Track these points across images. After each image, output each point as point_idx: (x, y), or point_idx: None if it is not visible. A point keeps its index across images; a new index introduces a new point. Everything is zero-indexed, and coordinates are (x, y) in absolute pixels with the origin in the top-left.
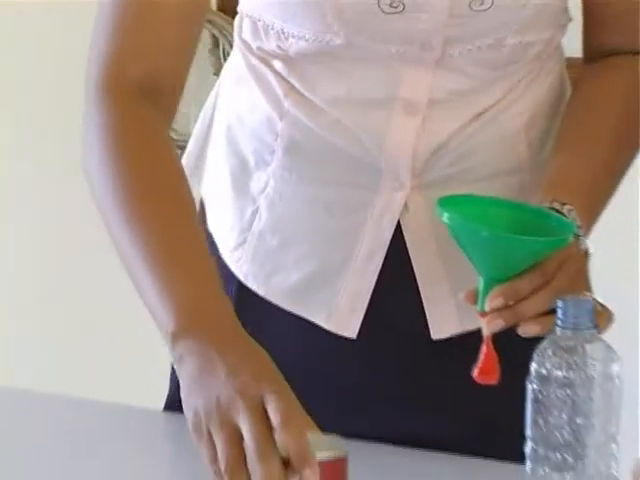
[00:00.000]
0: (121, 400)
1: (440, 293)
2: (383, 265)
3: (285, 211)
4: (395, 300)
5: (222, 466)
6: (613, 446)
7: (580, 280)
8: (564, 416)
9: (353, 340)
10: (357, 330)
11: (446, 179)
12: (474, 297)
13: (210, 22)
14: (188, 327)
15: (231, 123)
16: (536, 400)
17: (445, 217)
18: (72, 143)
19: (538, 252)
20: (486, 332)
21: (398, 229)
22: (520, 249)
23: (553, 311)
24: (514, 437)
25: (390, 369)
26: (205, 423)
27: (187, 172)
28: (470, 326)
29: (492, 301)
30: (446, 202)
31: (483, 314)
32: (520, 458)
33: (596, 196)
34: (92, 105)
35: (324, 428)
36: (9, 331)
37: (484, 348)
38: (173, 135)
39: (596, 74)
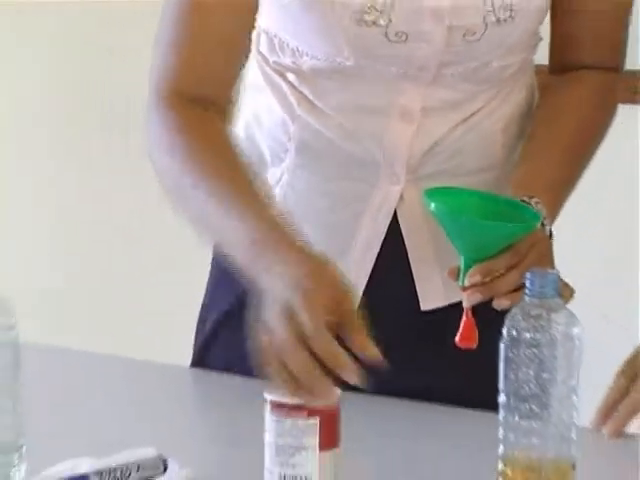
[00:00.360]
0: (152, 358)
1: (430, 272)
2: (380, 249)
3: (295, 202)
4: (390, 279)
5: (275, 349)
6: (574, 398)
7: (546, 260)
8: (531, 372)
9: None
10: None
11: (437, 174)
12: (456, 274)
13: None
14: (263, 247)
15: (249, 121)
16: (507, 358)
17: (431, 207)
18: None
19: (510, 236)
20: (466, 304)
21: (394, 218)
22: (494, 233)
23: (522, 287)
24: (491, 390)
25: (386, 338)
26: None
27: None
28: (453, 299)
29: (471, 278)
30: (432, 193)
31: (464, 289)
32: (496, 408)
33: (557, 192)
34: (154, 110)
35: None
36: (49, 286)
37: (464, 318)
38: None
39: (559, 88)
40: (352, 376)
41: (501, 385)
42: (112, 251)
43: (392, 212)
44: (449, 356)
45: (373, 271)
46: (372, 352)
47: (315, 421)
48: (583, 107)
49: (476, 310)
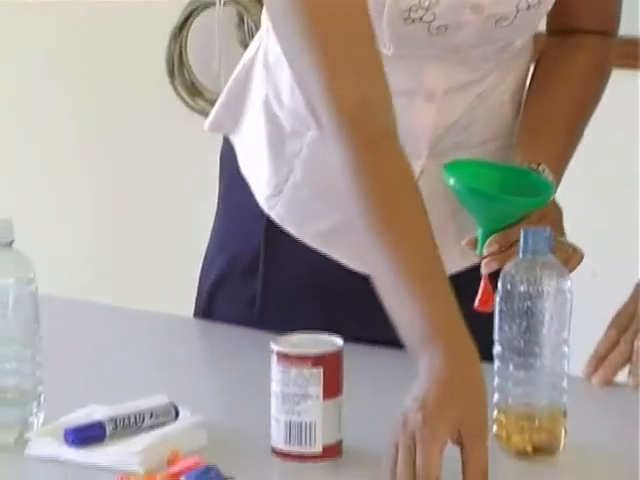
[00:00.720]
0: (156, 308)
1: (447, 241)
2: None
3: (317, 172)
4: None
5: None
6: (565, 348)
7: (556, 228)
8: (525, 324)
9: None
10: None
11: (453, 147)
12: (474, 244)
13: (235, 1)
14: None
15: (269, 96)
16: (502, 311)
17: (451, 181)
18: None
19: (526, 208)
20: (484, 271)
21: None
22: (510, 206)
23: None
24: (488, 342)
25: None
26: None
27: (222, 111)
28: (468, 264)
29: (489, 247)
30: (450, 167)
31: (482, 257)
32: (491, 358)
33: (561, 159)
34: (338, 138)
35: (333, 331)
36: (56, 242)
37: (482, 284)
38: (206, 94)
39: (557, 54)
40: None
41: (496, 337)
42: (122, 204)
43: None
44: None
45: None
46: None
47: (319, 370)
48: (581, 74)
49: (492, 277)
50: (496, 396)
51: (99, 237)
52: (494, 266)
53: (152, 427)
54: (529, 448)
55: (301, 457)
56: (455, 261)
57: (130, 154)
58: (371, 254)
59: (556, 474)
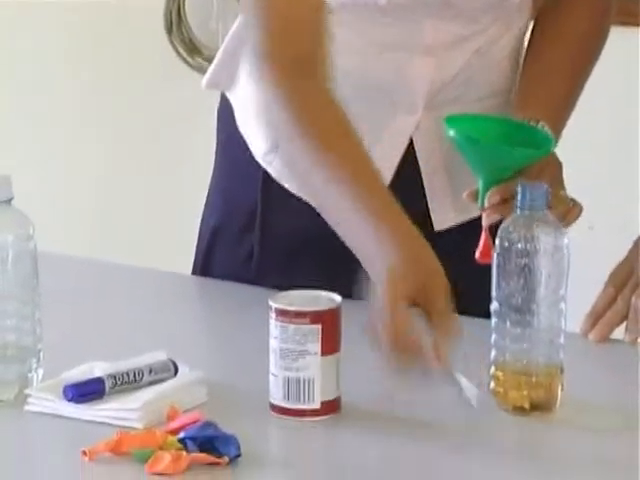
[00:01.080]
0: (155, 265)
1: (442, 195)
2: (396, 175)
3: None
4: (404, 203)
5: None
6: (562, 305)
7: (557, 182)
8: (522, 281)
9: None
10: None
11: (450, 102)
12: (474, 196)
13: None
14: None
15: None
16: (499, 267)
17: (451, 133)
18: None
19: (527, 159)
20: (485, 223)
21: (410, 146)
22: (512, 157)
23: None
24: (486, 298)
25: None
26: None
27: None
28: (462, 219)
29: (491, 198)
30: (450, 120)
31: (483, 209)
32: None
33: (560, 115)
34: (265, 78)
35: (330, 287)
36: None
37: (483, 235)
38: (204, 51)
39: (557, 11)
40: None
41: (494, 293)
42: (122, 160)
43: (408, 140)
44: (461, 275)
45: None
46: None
47: (318, 327)
48: (580, 31)
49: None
50: (493, 353)
51: (99, 194)
52: (495, 217)
53: (151, 383)
54: (526, 404)
55: (300, 413)
56: (449, 216)
57: (128, 111)
58: (312, 178)
59: (553, 430)
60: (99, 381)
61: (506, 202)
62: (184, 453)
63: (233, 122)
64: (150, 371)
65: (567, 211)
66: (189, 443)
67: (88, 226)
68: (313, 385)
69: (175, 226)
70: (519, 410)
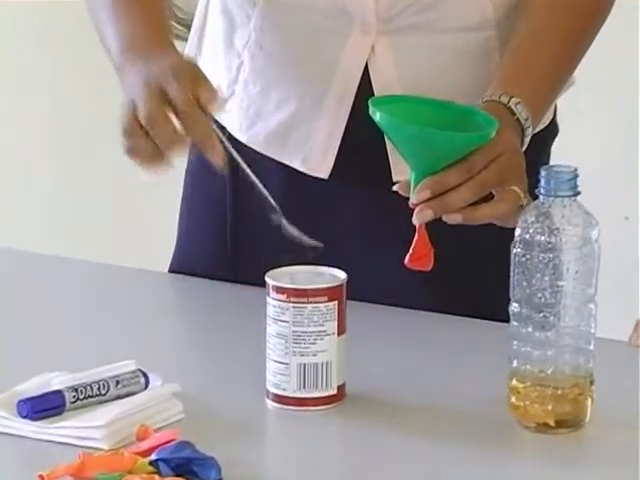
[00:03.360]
0: (130, 263)
1: None
2: (353, 112)
3: (265, 59)
4: (362, 146)
5: (144, 120)
6: (591, 306)
7: (511, 174)
8: (546, 278)
9: (327, 181)
10: (330, 170)
11: (410, 28)
12: (407, 188)
13: None
14: (132, 48)
15: None
16: (520, 264)
17: (377, 116)
18: None
19: (462, 146)
20: (417, 221)
21: (366, 77)
22: (444, 143)
23: (481, 201)
24: (503, 300)
25: (359, 210)
26: (138, 98)
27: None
28: None
29: (419, 193)
30: (379, 102)
31: (414, 205)
32: (505, 318)
33: (545, 92)
34: None
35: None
36: (19, 196)
37: (416, 236)
38: (179, 14)
39: None
40: (215, 157)
41: (513, 293)
42: (93, 155)
43: (364, 64)
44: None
45: (343, 140)
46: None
47: (334, 304)
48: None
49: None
50: (513, 362)
51: (56, 187)
52: (427, 215)
53: (118, 397)
54: (551, 421)
55: (316, 401)
56: None
57: (96, 83)
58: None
59: (581, 451)
60: (58, 395)
61: (440, 196)
62: (156, 478)
63: None
64: (117, 383)
65: (511, 210)
66: (162, 466)
67: (47, 219)
68: (331, 369)
69: (151, 221)
70: (543, 427)
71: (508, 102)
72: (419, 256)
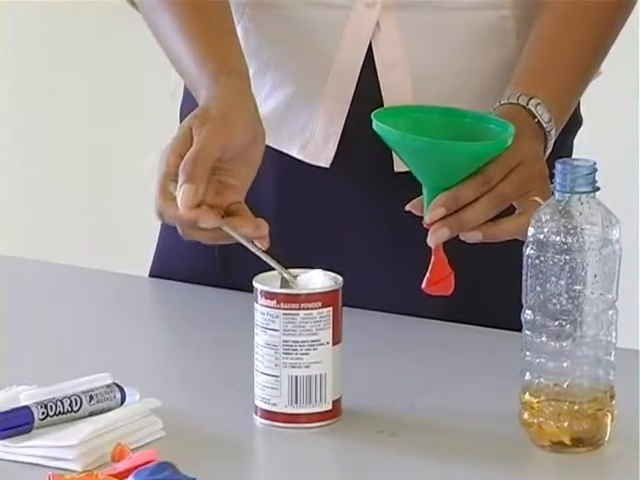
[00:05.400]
0: (109, 267)
1: None
2: (356, 96)
3: (261, 37)
4: (365, 133)
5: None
6: (612, 313)
7: (533, 183)
8: (562, 283)
9: (326, 170)
10: (331, 158)
11: (421, 3)
12: (420, 207)
13: None
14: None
15: None
16: (533, 266)
17: (379, 130)
18: None
19: (475, 157)
20: (432, 243)
21: (370, 56)
22: (455, 155)
23: (502, 215)
24: (512, 305)
25: (361, 200)
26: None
27: None
28: None
29: (433, 211)
30: (383, 115)
31: (429, 224)
32: (517, 326)
33: (568, 92)
34: None
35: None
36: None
37: (433, 258)
38: None
39: None
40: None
41: (525, 299)
42: (72, 159)
43: (368, 42)
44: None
45: (346, 126)
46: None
47: (329, 310)
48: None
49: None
50: (525, 374)
51: (37, 188)
52: (443, 234)
53: (92, 414)
54: (567, 439)
55: (309, 418)
56: None
57: (91, 86)
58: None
59: (600, 473)
60: (25, 411)
61: (456, 213)
62: None
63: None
64: (90, 398)
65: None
66: None
67: (21, 222)
68: (325, 382)
69: (132, 224)
70: (558, 446)
71: (527, 104)
72: (437, 280)
